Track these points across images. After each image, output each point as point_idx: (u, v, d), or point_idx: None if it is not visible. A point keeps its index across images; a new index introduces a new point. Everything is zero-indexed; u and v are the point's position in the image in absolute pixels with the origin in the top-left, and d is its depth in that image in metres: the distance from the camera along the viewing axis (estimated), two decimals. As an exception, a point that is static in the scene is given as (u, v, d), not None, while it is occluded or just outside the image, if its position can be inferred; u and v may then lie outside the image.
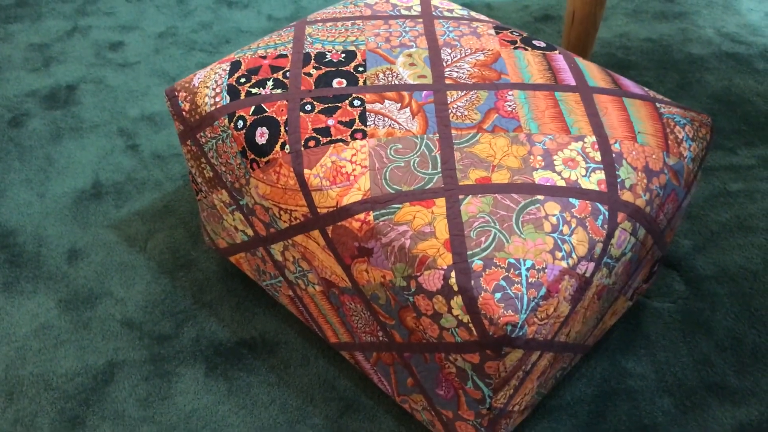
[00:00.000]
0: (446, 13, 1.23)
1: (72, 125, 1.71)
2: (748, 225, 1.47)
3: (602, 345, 1.24)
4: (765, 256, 1.40)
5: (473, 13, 1.25)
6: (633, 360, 1.22)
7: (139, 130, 1.69)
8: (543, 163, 0.94)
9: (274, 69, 1.11)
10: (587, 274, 0.90)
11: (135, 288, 1.33)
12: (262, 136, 1.03)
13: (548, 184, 0.92)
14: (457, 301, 0.85)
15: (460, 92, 1.05)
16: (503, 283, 0.83)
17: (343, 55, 1.12)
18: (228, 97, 1.08)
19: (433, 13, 1.23)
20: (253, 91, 1.07)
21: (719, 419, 1.15)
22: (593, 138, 0.98)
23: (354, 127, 1.00)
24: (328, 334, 1.15)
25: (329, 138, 0.99)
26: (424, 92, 1.05)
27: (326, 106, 1.03)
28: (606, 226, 0.91)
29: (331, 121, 1.01)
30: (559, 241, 0.87)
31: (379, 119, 1.01)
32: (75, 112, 1.75)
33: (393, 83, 1.06)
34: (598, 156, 0.96)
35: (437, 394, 0.99)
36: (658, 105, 1.07)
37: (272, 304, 1.30)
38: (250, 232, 1.15)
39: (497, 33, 1.18)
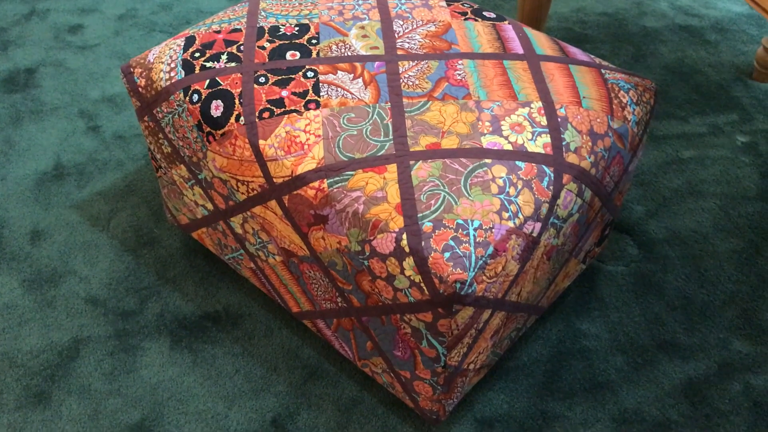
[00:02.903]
0: (399, -13, 1.25)
1: (32, 108, 1.70)
2: (699, 190, 1.51)
3: (557, 307, 1.28)
4: (714, 220, 1.45)
5: (426, -13, 1.27)
6: (587, 321, 1.27)
7: (99, 111, 1.69)
8: (491, 129, 0.97)
9: (228, 43, 1.12)
10: (534, 234, 0.93)
11: (99, 266, 1.34)
12: (217, 109, 1.04)
13: (495, 148, 0.95)
14: (408, 262, 0.88)
15: (411, 62, 1.07)
16: (452, 243, 0.86)
17: (297, 29, 1.14)
18: (183, 72, 1.09)
19: (386, -14, 1.25)
20: (208, 65, 1.09)
21: (669, 374, 1.19)
22: (539, 104, 1.01)
23: (307, 98, 1.02)
24: (290, 304, 1.18)
25: (283, 109, 1.01)
26: (377, 63, 1.07)
27: (280, 78, 1.05)
28: (551, 187, 0.94)
29: (284, 93, 1.03)
30: (505, 202, 0.90)
31: (332, 90, 1.03)
32: (35, 95, 1.74)
33: (346, 55, 1.08)
34: (544, 120, 0.99)
35: (395, 356, 1.02)
36: (603, 71, 1.10)
37: (235, 278, 1.32)
38: (209, 206, 1.17)
39: (448, 5, 1.21)
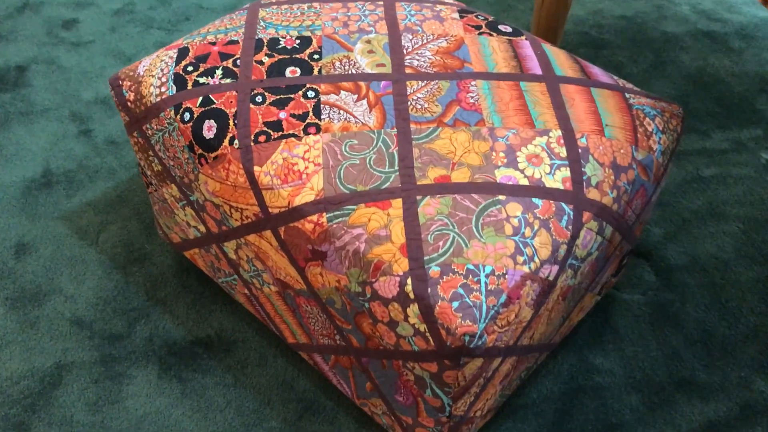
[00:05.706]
0: (408, -5, 1.17)
1: (21, 109, 1.62)
2: (721, 212, 1.43)
3: (570, 340, 1.21)
4: (736, 245, 1.37)
5: (437, -5, 1.19)
6: (601, 355, 1.19)
7: (92, 114, 1.61)
8: (505, 160, 0.89)
9: (224, 56, 1.04)
10: (550, 278, 0.85)
11: (86, 284, 1.27)
12: (209, 129, 0.96)
13: (510, 183, 0.87)
14: (413, 309, 0.80)
15: (420, 82, 0.99)
16: (461, 291, 0.79)
17: (298, 42, 1.06)
18: (174, 87, 1.01)
19: (395, -6, 1.16)
20: (201, 80, 1.01)
21: (687, 416, 1.12)
22: (559, 132, 0.93)
23: (307, 121, 0.94)
24: (286, 334, 1.10)
25: (281, 132, 0.94)
26: (383, 82, 0.99)
27: (278, 97, 0.97)
28: (571, 227, 0.86)
29: (283, 114, 0.95)
30: (520, 245, 0.83)
31: (334, 112, 0.95)
32: (25, 95, 1.66)
33: (350, 72, 1.00)
34: (563, 152, 0.91)
35: (396, 400, 0.95)
36: (627, 95, 1.02)
37: (229, 301, 1.25)
38: (202, 228, 1.09)
39: (462, 17, 1.12)
